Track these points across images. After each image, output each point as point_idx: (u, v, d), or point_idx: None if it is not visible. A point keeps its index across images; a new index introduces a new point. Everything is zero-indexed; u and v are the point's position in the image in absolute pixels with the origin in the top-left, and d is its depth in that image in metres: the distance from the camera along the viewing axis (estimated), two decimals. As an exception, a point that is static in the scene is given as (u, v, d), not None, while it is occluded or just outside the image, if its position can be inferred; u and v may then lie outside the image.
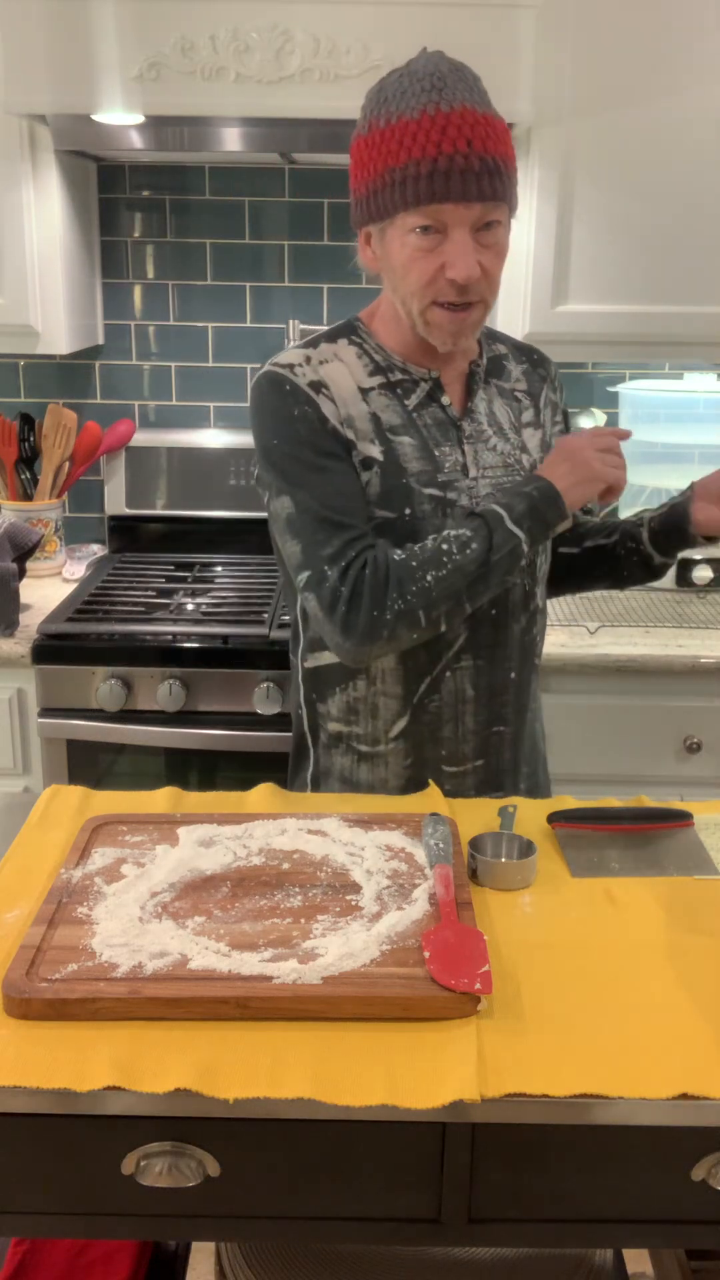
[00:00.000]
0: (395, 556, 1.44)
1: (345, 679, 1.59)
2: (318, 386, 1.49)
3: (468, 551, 1.43)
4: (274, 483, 1.48)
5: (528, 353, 1.67)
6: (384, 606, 1.42)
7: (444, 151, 1.34)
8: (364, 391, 1.51)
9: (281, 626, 2.26)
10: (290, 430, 1.47)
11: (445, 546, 1.44)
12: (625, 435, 1.55)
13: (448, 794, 1.56)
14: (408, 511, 1.49)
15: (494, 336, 1.65)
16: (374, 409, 1.50)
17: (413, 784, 1.60)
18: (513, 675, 1.61)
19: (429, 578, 1.42)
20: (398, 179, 1.36)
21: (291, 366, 1.50)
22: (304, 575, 1.46)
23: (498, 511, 1.45)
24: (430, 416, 1.53)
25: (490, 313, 1.51)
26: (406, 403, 1.52)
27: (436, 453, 1.51)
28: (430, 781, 1.56)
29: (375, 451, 1.49)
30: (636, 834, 1.44)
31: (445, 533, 1.46)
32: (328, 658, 1.58)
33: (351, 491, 1.47)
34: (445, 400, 1.53)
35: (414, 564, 1.43)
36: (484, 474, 1.54)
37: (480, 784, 1.63)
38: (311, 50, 2.09)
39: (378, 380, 1.52)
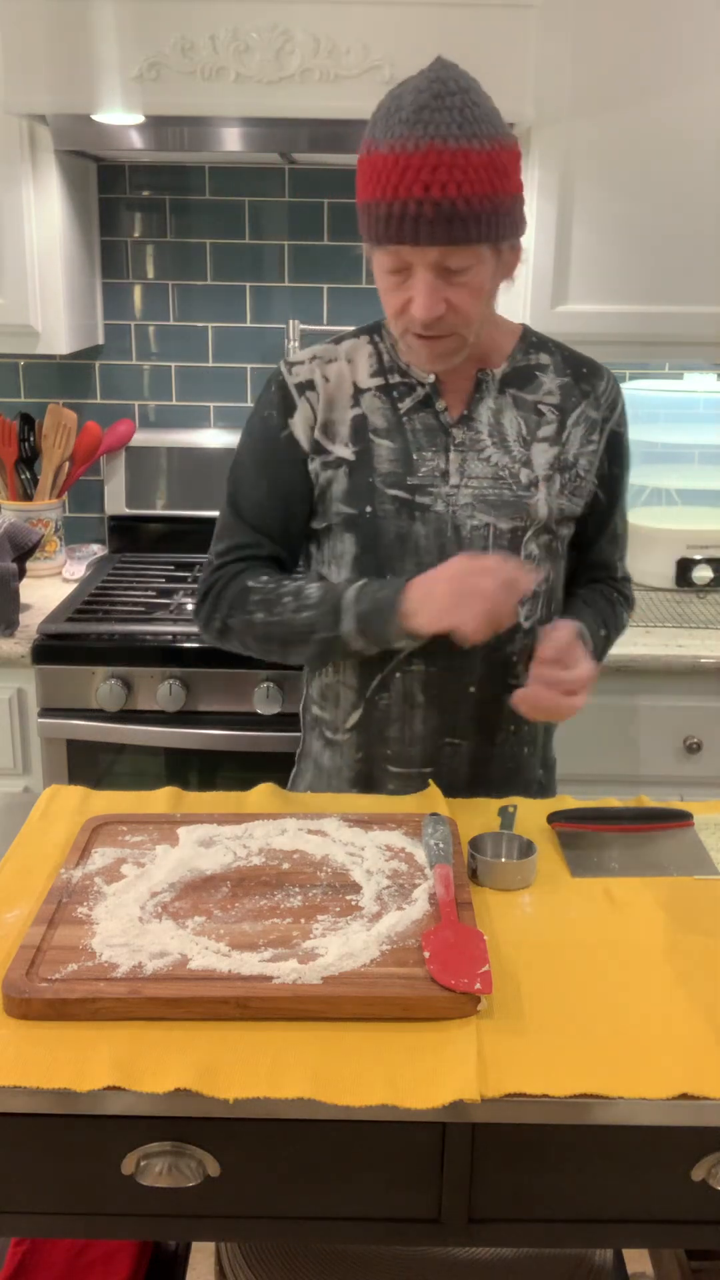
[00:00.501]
0: (249, 582, 1.54)
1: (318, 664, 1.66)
2: (305, 388, 1.54)
3: (301, 615, 1.49)
4: (232, 463, 1.61)
5: (577, 365, 1.58)
6: (215, 616, 1.56)
7: (399, 196, 1.31)
8: (360, 392, 1.54)
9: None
10: (254, 427, 1.58)
11: (289, 599, 1.50)
12: (529, 583, 1.42)
13: (391, 794, 1.58)
14: (369, 509, 1.52)
15: (543, 345, 1.59)
16: (365, 410, 1.53)
17: (362, 777, 1.64)
18: (471, 690, 1.56)
19: (259, 616, 1.52)
20: (367, 213, 1.37)
21: (293, 365, 1.56)
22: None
23: (348, 600, 1.47)
24: (421, 421, 1.53)
25: (475, 339, 1.45)
26: (399, 406, 1.53)
27: (415, 457, 1.52)
28: (430, 781, 1.56)
29: (348, 453, 1.53)
30: (636, 834, 1.44)
31: (306, 586, 1.51)
32: None
33: (271, 506, 1.57)
34: (440, 406, 1.53)
35: (255, 597, 1.52)
36: (467, 483, 1.52)
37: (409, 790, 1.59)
38: (311, 50, 2.09)
39: (377, 381, 1.54)
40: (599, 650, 1.61)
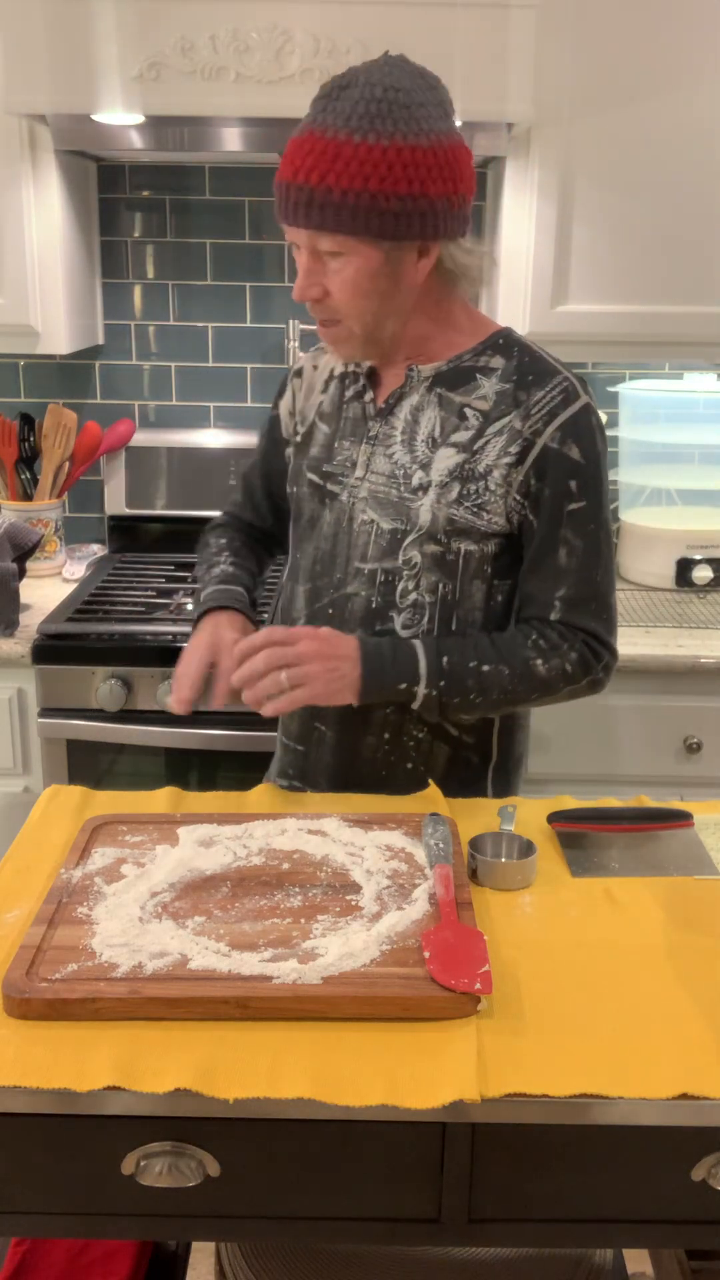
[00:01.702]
0: (209, 537, 1.76)
1: None
2: (296, 375, 1.66)
3: (200, 575, 1.71)
4: None
5: (525, 374, 1.48)
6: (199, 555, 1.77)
7: (280, 178, 1.38)
8: (330, 379, 1.61)
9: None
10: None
11: (202, 568, 1.72)
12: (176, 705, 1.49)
13: (282, 764, 1.68)
14: (294, 489, 1.63)
15: (507, 350, 1.50)
16: (328, 396, 1.60)
17: (277, 749, 1.73)
18: None
19: (199, 567, 1.74)
20: None
21: (305, 352, 1.67)
22: None
23: (204, 591, 1.66)
24: (354, 410, 1.57)
25: (372, 335, 1.45)
26: (346, 393, 1.58)
27: (336, 444, 1.57)
28: (430, 782, 1.56)
29: (299, 436, 1.63)
30: (636, 834, 1.44)
31: (215, 561, 1.70)
32: None
33: (256, 480, 1.75)
34: (368, 397, 1.55)
35: (203, 552, 1.74)
36: (369, 477, 1.52)
37: (300, 773, 1.65)
38: (311, 50, 2.09)
39: (342, 369, 1.60)
40: (458, 680, 1.46)
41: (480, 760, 1.62)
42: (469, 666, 1.47)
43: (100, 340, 2.79)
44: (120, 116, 2.16)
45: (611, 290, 2.35)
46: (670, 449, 2.64)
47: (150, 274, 2.77)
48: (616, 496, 2.72)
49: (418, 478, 1.49)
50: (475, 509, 1.48)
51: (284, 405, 1.66)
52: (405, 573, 1.51)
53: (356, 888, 1.27)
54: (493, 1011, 1.08)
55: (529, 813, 1.48)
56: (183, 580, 2.59)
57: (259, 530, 1.78)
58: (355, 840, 1.37)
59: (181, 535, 2.78)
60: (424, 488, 1.49)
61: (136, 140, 2.24)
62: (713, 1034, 1.06)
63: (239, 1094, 0.98)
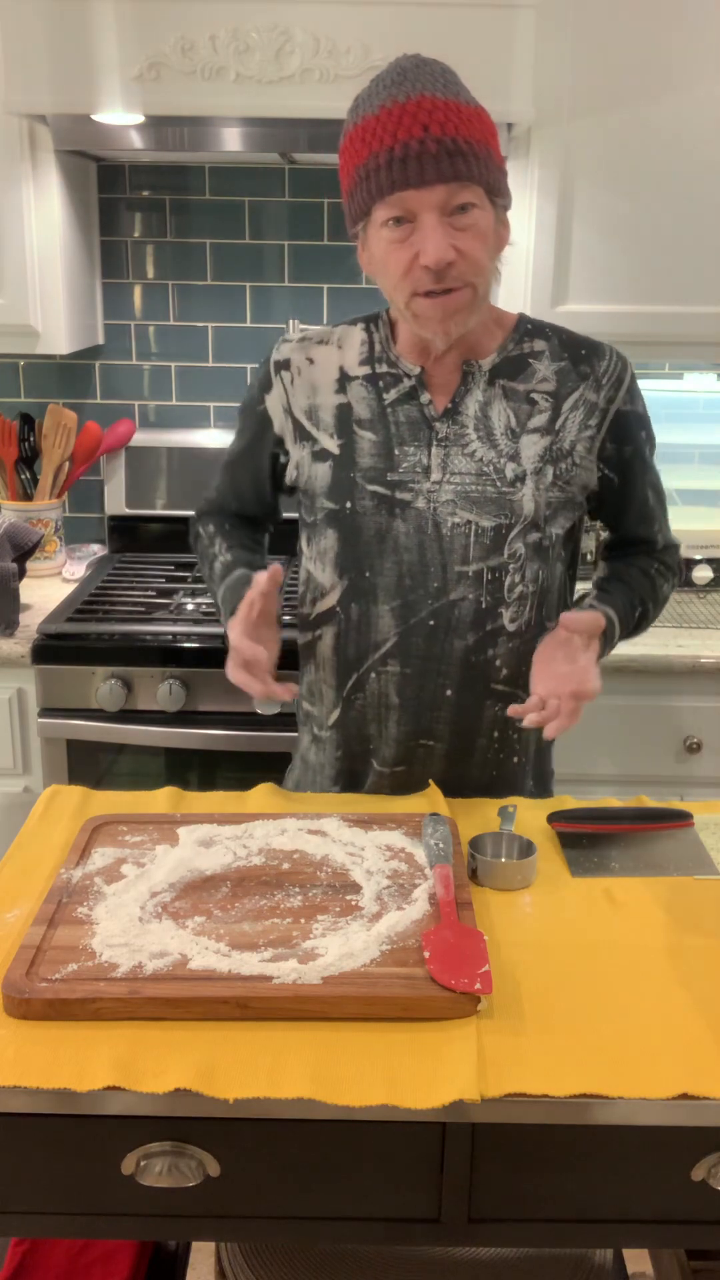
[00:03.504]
0: (198, 527, 1.74)
1: (306, 660, 1.66)
2: (281, 367, 1.58)
3: (210, 580, 1.68)
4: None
5: (575, 347, 1.53)
6: (194, 545, 1.77)
7: (399, 139, 1.34)
8: (347, 380, 1.54)
9: (281, 626, 2.25)
10: (247, 391, 1.66)
11: (205, 567, 1.70)
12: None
13: (369, 790, 1.62)
14: (349, 505, 1.53)
15: (539, 332, 1.55)
16: (350, 399, 1.53)
17: (344, 775, 1.64)
18: (449, 693, 1.53)
19: (203, 567, 1.72)
20: (364, 175, 1.38)
21: (282, 344, 1.60)
22: None
23: (221, 588, 1.61)
24: (405, 414, 1.52)
25: (484, 298, 1.45)
26: (385, 397, 1.52)
27: (397, 451, 1.51)
28: (430, 782, 1.56)
29: (333, 445, 1.53)
30: (636, 834, 1.44)
31: (218, 556, 1.66)
32: (296, 634, 1.66)
33: (237, 469, 1.69)
34: (425, 399, 1.51)
35: (200, 547, 1.72)
36: (450, 478, 1.50)
37: (399, 788, 1.59)
38: (311, 50, 2.09)
39: (365, 370, 1.54)
40: (631, 626, 1.60)
41: (550, 742, 1.69)
42: (634, 615, 1.60)
43: (100, 340, 2.79)
44: (120, 116, 2.16)
45: (611, 290, 2.35)
46: (670, 449, 2.64)
47: (150, 274, 2.77)
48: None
49: (511, 470, 1.50)
50: (565, 486, 1.52)
51: (273, 400, 1.58)
52: (512, 566, 1.51)
53: (356, 888, 1.27)
54: (493, 1011, 1.08)
55: (529, 813, 1.48)
56: (183, 580, 2.59)
57: (248, 518, 1.73)
58: (355, 840, 1.37)
59: (181, 535, 2.75)
60: (520, 478, 1.50)
61: (136, 140, 2.24)
62: (713, 1034, 1.06)
63: (239, 1094, 0.98)
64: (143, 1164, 1.04)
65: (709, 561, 2.55)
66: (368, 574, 1.53)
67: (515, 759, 1.61)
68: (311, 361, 1.56)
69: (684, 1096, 0.99)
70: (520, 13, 2.09)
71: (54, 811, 1.48)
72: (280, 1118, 1.01)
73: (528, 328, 1.55)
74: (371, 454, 1.52)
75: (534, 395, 1.51)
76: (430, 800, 1.52)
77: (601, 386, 1.52)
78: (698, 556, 2.55)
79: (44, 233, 2.37)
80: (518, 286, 2.37)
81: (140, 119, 2.18)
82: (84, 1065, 1.00)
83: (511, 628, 1.53)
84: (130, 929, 1.17)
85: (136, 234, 2.74)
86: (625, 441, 1.54)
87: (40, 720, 2.28)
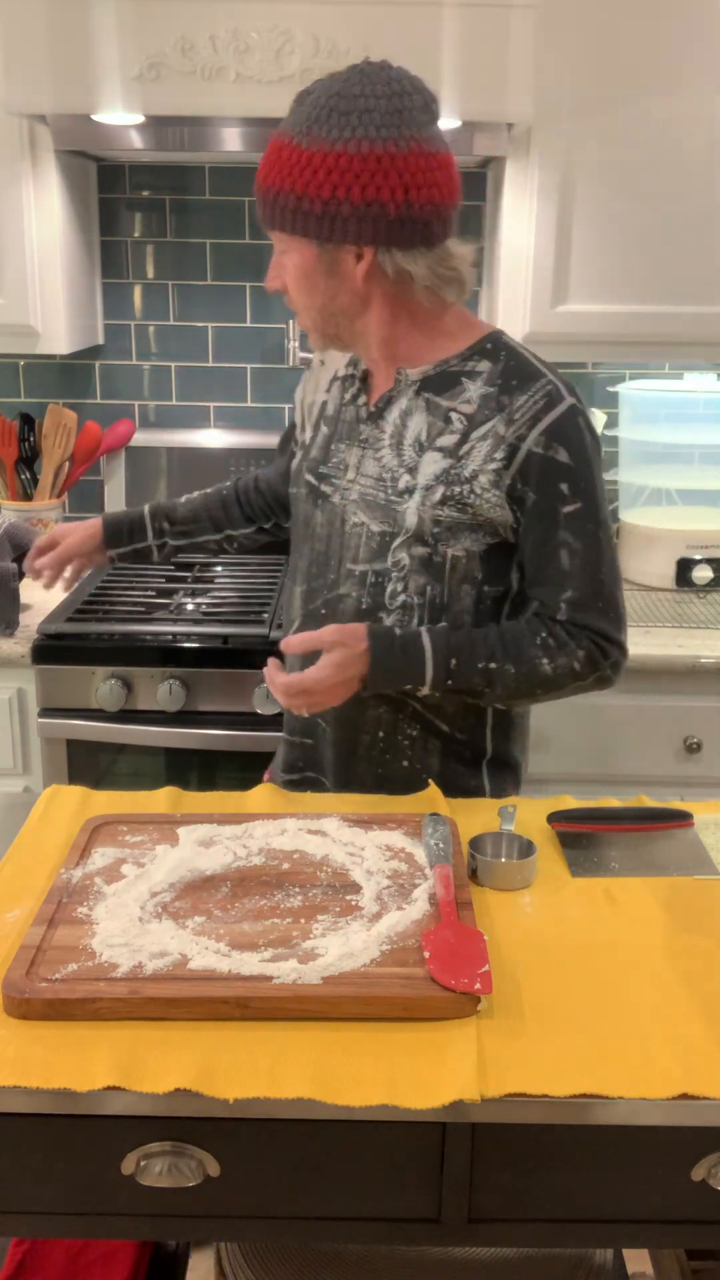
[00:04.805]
0: (246, 482, 1.89)
1: None
2: (308, 363, 1.71)
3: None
4: None
5: (509, 377, 1.48)
6: None
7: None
8: (335, 380, 1.62)
9: (281, 626, 2.26)
10: None
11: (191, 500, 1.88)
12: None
13: (285, 758, 1.70)
14: (295, 490, 1.66)
15: (494, 354, 1.50)
16: (329, 397, 1.63)
17: (282, 743, 1.75)
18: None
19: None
20: None
21: None
22: None
23: None
24: (350, 413, 1.58)
25: (328, 328, 1.50)
26: (344, 396, 1.60)
27: (332, 446, 1.59)
28: (430, 782, 1.56)
29: (306, 437, 1.65)
30: (636, 834, 1.44)
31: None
32: None
33: (281, 446, 1.83)
34: (361, 400, 1.57)
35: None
36: (359, 479, 1.54)
37: (309, 764, 1.67)
38: (311, 50, 2.09)
39: (347, 371, 1.61)
40: (472, 679, 1.48)
41: (473, 756, 1.62)
42: (476, 666, 1.48)
43: (100, 340, 2.79)
44: (120, 116, 2.16)
45: (611, 290, 2.35)
46: (670, 449, 2.64)
47: (150, 274, 2.77)
48: (617, 496, 2.72)
49: (404, 481, 1.50)
50: (459, 511, 1.48)
51: (298, 392, 1.71)
52: (394, 574, 1.52)
53: (356, 888, 1.27)
54: (493, 1011, 1.08)
55: (529, 813, 1.48)
56: (183, 580, 2.59)
57: (279, 493, 1.83)
58: (355, 840, 1.37)
59: (181, 535, 2.78)
60: (409, 491, 1.50)
61: (136, 140, 2.24)
62: (713, 1034, 1.06)
63: (239, 1094, 0.98)
64: (143, 1164, 1.04)
65: (709, 561, 2.55)
66: (295, 556, 1.65)
67: (405, 763, 1.60)
68: (323, 363, 1.65)
69: (684, 1096, 0.99)
70: (520, 13, 2.09)
71: (54, 811, 1.48)
72: (280, 1118, 1.01)
73: (486, 347, 1.51)
74: (319, 446, 1.61)
75: (452, 414, 1.49)
76: (430, 800, 1.52)
77: (513, 422, 1.46)
78: (698, 556, 2.55)
79: (44, 233, 2.37)
80: (518, 286, 2.37)
81: (140, 119, 2.18)
82: (84, 1065, 1.00)
83: (406, 623, 1.54)
84: (130, 929, 1.17)
85: (136, 234, 2.74)
86: (533, 488, 1.46)
87: (40, 720, 2.28)
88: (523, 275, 2.36)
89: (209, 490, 1.89)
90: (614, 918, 1.26)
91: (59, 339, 2.44)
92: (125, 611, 2.39)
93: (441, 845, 1.31)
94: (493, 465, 1.46)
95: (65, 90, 2.13)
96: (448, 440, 1.49)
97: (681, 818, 1.47)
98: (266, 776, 1.76)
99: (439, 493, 1.48)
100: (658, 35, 2.21)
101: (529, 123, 2.22)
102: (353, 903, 1.24)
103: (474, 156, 2.31)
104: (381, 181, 1.35)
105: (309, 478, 1.61)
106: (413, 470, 1.50)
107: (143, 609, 2.40)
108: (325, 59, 2.08)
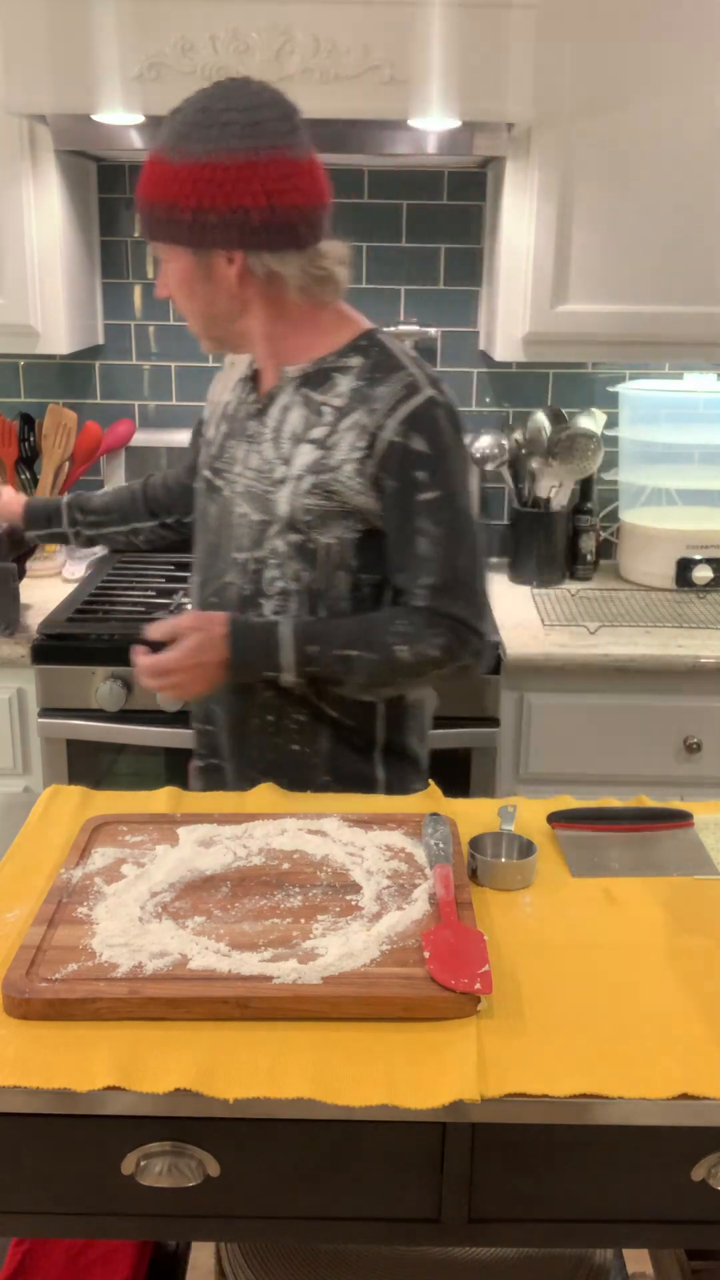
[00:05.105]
0: (156, 478, 1.94)
1: None
2: (227, 364, 1.74)
3: None
4: None
5: (375, 371, 1.53)
6: None
7: None
8: (239, 380, 1.68)
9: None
10: None
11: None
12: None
13: (198, 744, 1.74)
14: (196, 485, 1.73)
15: (367, 351, 1.55)
16: (231, 396, 1.68)
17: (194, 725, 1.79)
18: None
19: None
20: None
21: None
22: None
23: None
24: (242, 410, 1.64)
25: (213, 330, 1.58)
26: (241, 394, 1.66)
27: (228, 442, 1.65)
28: (430, 782, 1.56)
29: (209, 433, 1.71)
30: (636, 834, 1.44)
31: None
32: None
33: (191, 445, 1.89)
34: (251, 398, 1.63)
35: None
36: (244, 472, 1.60)
37: (213, 750, 1.72)
38: (311, 50, 2.09)
39: (248, 371, 1.66)
40: (329, 664, 1.53)
41: (365, 743, 1.65)
42: (334, 653, 1.53)
43: (100, 340, 2.79)
44: (120, 116, 2.16)
45: (611, 290, 2.35)
46: (670, 449, 2.64)
47: (150, 274, 2.76)
48: (616, 496, 2.72)
49: (279, 471, 1.56)
50: (327, 499, 1.53)
51: (209, 394, 1.76)
52: (271, 561, 1.58)
53: (356, 888, 1.27)
54: (493, 1011, 1.08)
55: (529, 813, 1.48)
56: (182, 580, 2.59)
57: (183, 485, 1.88)
58: (355, 840, 1.37)
59: (181, 535, 2.78)
60: (283, 481, 1.56)
61: (136, 140, 2.24)
62: (713, 1034, 1.06)
63: (239, 1094, 0.98)
64: (143, 1164, 1.04)
65: (709, 561, 2.55)
66: (195, 547, 1.72)
67: (295, 746, 1.64)
68: (233, 363, 1.71)
69: (684, 1096, 0.99)
70: (520, 13, 2.09)
71: (54, 811, 1.48)
72: (280, 1118, 1.01)
73: (360, 344, 1.57)
74: (217, 443, 1.66)
75: (324, 408, 1.55)
76: (430, 800, 1.52)
77: (374, 412, 1.51)
78: (698, 556, 2.55)
79: (44, 233, 2.37)
80: (518, 286, 2.37)
81: (140, 119, 2.18)
82: (84, 1065, 1.01)
83: (272, 610, 1.60)
84: (130, 929, 1.17)
85: (136, 234, 2.74)
86: (393, 476, 1.51)
87: (40, 720, 2.28)
88: (523, 275, 2.36)
89: (123, 485, 2.01)
90: (614, 918, 1.26)
91: (59, 339, 2.44)
92: (125, 611, 2.39)
93: (441, 845, 1.31)
94: (356, 454, 1.52)
95: (65, 90, 2.13)
96: (319, 432, 1.54)
97: (681, 818, 1.47)
98: (188, 765, 1.82)
99: (308, 481, 1.54)
100: (658, 35, 2.21)
101: (529, 123, 2.23)
102: (353, 903, 1.24)
103: (474, 156, 2.31)
104: (244, 188, 1.42)
105: (206, 473, 1.67)
106: (288, 461, 1.56)
107: (143, 609, 2.40)
108: (325, 59, 2.09)
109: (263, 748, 1.65)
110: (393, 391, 1.51)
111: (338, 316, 1.58)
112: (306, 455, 1.54)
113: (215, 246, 1.47)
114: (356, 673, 1.53)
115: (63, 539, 1.95)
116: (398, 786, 1.65)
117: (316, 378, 1.56)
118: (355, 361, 1.55)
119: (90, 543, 1.97)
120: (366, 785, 1.63)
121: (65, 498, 1.94)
